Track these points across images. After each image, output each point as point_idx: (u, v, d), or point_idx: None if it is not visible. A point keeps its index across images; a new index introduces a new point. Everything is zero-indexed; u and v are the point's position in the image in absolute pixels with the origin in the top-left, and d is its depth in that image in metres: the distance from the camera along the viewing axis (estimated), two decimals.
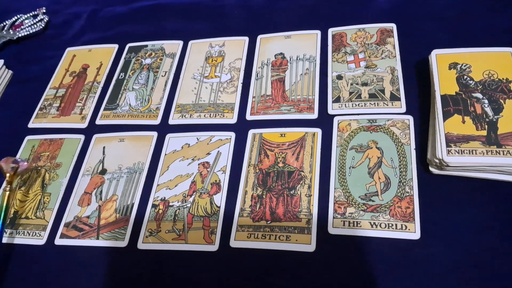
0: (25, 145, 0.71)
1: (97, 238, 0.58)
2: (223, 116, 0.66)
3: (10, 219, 0.62)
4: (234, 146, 0.63)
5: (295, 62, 0.70)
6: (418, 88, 0.62)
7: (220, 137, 0.64)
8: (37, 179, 0.66)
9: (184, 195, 0.59)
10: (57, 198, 0.63)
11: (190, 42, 0.78)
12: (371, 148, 0.58)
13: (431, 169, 0.54)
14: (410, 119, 0.59)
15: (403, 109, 0.60)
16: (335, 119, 0.61)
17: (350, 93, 0.63)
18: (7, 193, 0.60)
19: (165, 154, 0.64)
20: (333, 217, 0.53)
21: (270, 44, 0.74)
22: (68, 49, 0.84)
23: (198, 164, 0.62)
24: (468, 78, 0.57)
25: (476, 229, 0.50)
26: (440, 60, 0.59)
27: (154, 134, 0.67)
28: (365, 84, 0.64)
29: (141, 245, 0.56)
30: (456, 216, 0.51)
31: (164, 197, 0.60)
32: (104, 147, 0.67)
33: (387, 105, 0.61)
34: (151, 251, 0.56)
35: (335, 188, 0.55)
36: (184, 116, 0.68)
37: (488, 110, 0.54)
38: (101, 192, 0.62)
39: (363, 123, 0.60)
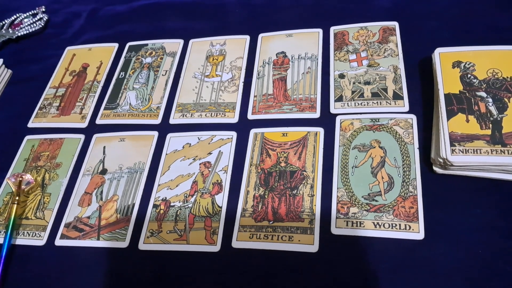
0: (24, 144, 0.70)
1: (98, 239, 0.57)
2: (225, 115, 0.66)
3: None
4: (235, 145, 0.62)
5: (297, 60, 0.69)
6: (421, 86, 0.61)
7: (222, 137, 0.64)
8: (37, 179, 0.65)
9: (185, 195, 0.59)
10: (57, 198, 0.63)
11: (191, 41, 0.78)
12: (374, 147, 0.57)
13: (435, 168, 0.53)
14: (413, 118, 0.58)
15: (406, 108, 0.60)
16: (338, 118, 0.61)
17: (353, 92, 0.63)
18: (15, 205, 0.60)
19: (166, 154, 0.64)
20: (336, 217, 0.53)
21: (272, 43, 0.73)
22: (68, 48, 0.84)
23: (200, 164, 0.61)
24: (472, 77, 0.56)
25: (481, 229, 0.49)
26: (444, 58, 0.58)
27: (155, 133, 0.66)
28: (367, 83, 0.63)
29: (142, 246, 0.56)
30: (461, 216, 0.50)
31: (165, 197, 0.59)
32: (104, 147, 0.67)
33: (390, 104, 0.60)
34: (152, 252, 0.55)
35: (338, 188, 0.55)
36: (185, 115, 0.67)
37: (493, 109, 0.53)
38: (101, 192, 0.62)
39: (365, 122, 0.59)
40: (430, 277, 0.47)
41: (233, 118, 0.65)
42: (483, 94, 0.55)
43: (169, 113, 0.68)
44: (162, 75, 0.74)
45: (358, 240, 0.51)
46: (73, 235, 0.59)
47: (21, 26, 0.90)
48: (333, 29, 0.72)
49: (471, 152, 0.50)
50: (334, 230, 0.52)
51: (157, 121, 0.68)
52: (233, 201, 0.57)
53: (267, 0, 0.81)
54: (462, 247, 0.48)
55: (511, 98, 0.53)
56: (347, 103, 0.62)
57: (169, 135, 0.66)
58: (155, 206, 0.59)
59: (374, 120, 0.59)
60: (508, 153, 0.49)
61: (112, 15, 0.88)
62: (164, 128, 0.67)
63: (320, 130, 0.61)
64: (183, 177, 0.61)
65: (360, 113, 0.61)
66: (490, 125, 0.52)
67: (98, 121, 0.70)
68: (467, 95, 0.55)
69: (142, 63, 0.77)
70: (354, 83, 0.64)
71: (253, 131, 0.63)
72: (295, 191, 0.56)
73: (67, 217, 0.60)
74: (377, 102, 0.61)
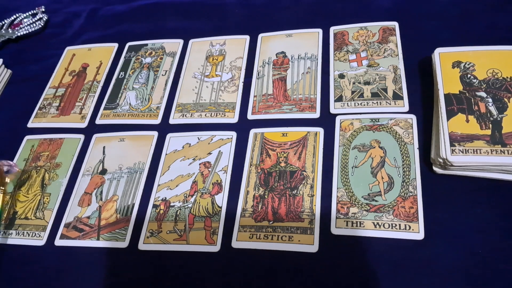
0: (24, 145, 0.70)
1: (98, 239, 0.57)
2: (224, 115, 0.66)
3: (9, 219, 0.62)
4: (235, 145, 0.62)
5: (297, 60, 0.69)
6: (421, 87, 0.61)
7: (221, 137, 0.64)
8: (36, 179, 0.65)
9: (185, 195, 0.59)
10: (57, 198, 0.63)
11: (191, 41, 0.78)
12: (374, 147, 0.57)
13: (434, 168, 0.53)
14: (413, 118, 0.58)
15: (406, 108, 0.60)
16: (337, 118, 0.61)
17: (352, 92, 0.63)
18: (1, 195, 0.60)
19: (166, 154, 0.64)
20: (336, 217, 0.53)
21: (272, 43, 0.73)
22: (68, 48, 0.84)
23: (199, 164, 0.61)
24: (472, 77, 0.56)
25: (480, 229, 0.49)
26: (444, 58, 0.58)
27: (155, 133, 0.66)
28: (367, 83, 0.63)
29: (142, 246, 0.56)
30: (460, 216, 0.50)
31: (165, 197, 0.59)
32: (104, 147, 0.67)
33: (390, 104, 0.60)
34: (152, 252, 0.55)
35: (337, 188, 0.55)
36: (185, 115, 0.67)
37: (492, 109, 0.53)
38: (101, 192, 0.62)
39: (365, 122, 0.59)
40: (430, 277, 0.47)
41: (233, 118, 0.65)
42: (483, 94, 0.55)
43: (169, 113, 0.68)
44: (162, 75, 0.74)
45: (358, 240, 0.51)
46: (73, 235, 0.59)
47: (21, 26, 0.90)
48: (333, 29, 0.72)
49: (471, 152, 0.50)
50: (334, 230, 0.52)
51: (157, 121, 0.68)
52: (233, 201, 0.57)
53: (267, 0, 0.81)
54: (462, 247, 0.48)
55: (511, 98, 0.53)
56: (347, 103, 0.62)
57: (169, 135, 0.66)
58: (155, 206, 0.59)
59: (374, 120, 0.59)
60: (508, 153, 0.49)
61: (112, 15, 0.88)
62: (164, 128, 0.67)
63: (320, 130, 0.61)
64: (183, 177, 0.61)
65: (360, 113, 0.61)
66: (490, 125, 0.52)
67: (98, 121, 0.70)
68: (467, 95, 0.55)
69: (142, 63, 0.77)
70: (354, 83, 0.64)
71: (253, 131, 0.63)
72: (295, 191, 0.56)
73: (67, 217, 0.60)
74: (377, 102, 0.61)
